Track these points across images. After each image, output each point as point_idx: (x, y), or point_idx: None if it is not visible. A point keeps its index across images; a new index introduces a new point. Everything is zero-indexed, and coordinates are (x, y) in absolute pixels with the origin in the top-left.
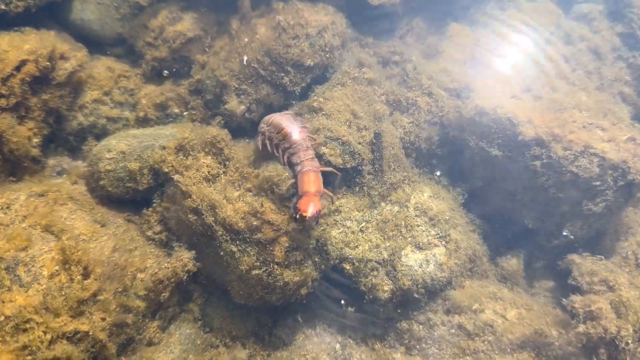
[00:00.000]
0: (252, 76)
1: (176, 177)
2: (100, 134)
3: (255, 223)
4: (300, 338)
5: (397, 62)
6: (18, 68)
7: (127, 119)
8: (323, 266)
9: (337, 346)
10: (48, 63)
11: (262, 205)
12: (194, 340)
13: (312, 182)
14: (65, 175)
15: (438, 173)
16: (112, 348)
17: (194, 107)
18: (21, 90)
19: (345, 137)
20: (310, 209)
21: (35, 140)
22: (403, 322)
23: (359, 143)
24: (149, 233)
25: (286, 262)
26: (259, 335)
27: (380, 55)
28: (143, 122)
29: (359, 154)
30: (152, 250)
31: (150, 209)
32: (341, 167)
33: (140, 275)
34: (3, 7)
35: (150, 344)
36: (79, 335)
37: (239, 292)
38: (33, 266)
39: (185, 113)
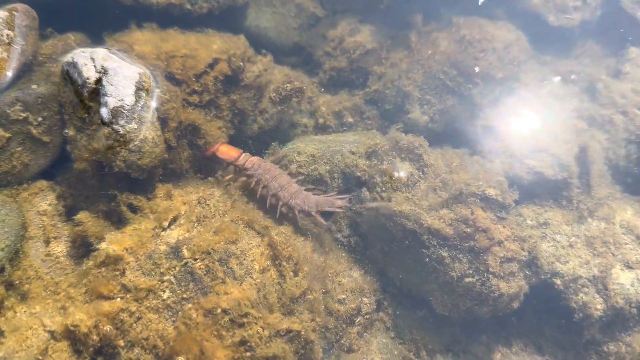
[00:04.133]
0: (437, 87)
1: (363, 190)
2: (280, 139)
3: (467, 230)
4: (497, 357)
5: (575, 81)
6: (211, 66)
7: (306, 125)
8: (533, 279)
9: None
10: (241, 64)
11: (472, 212)
12: (392, 350)
13: (230, 149)
14: None
15: None
16: (319, 351)
17: (369, 117)
18: (214, 88)
19: (553, 148)
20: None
21: (222, 139)
22: (610, 344)
23: (567, 156)
24: (338, 236)
25: (501, 273)
26: (454, 351)
27: (559, 73)
28: (321, 129)
29: (568, 166)
30: (344, 254)
31: (340, 212)
32: (552, 178)
33: (337, 279)
34: (188, 7)
35: (350, 350)
36: (290, 335)
37: (443, 302)
38: (244, 259)
39: (359, 122)
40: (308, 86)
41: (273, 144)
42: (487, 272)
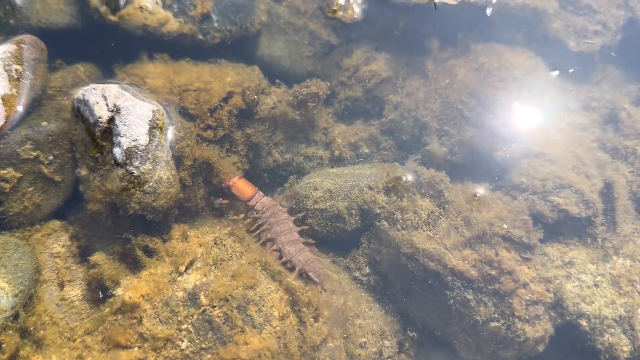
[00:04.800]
0: (456, 117)
1: (384, 223)
2: (295, 172)
3: (491, 272)
4: None
5: (596, 108)
6: (225, 100)
7: (322, 157)
8: (559, 320)
9: None
10: (256, 97)
11: (497, 253)
12: None
13: (246, 186)
14: None
15: None
16: None
17: (385, 148)
18: (229, 122)
19: (578, 184)
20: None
21: (239, 173)
22: None
23: (591, 192)
24: (357, 274)
25: (526, 317)
26: None
27: (580, 100)
28: (337, 161)
29: (592, 203)
30: (363, 294)
31: (359, 250)
32: (577, 216)
33: (357, 321)
34: (200, 37)
35: None
36: None
37: (467, 345)
38: (263, 306)
39: (376, 153)
40: (324, 92)
41: (291, 177)
42: (513, 316)
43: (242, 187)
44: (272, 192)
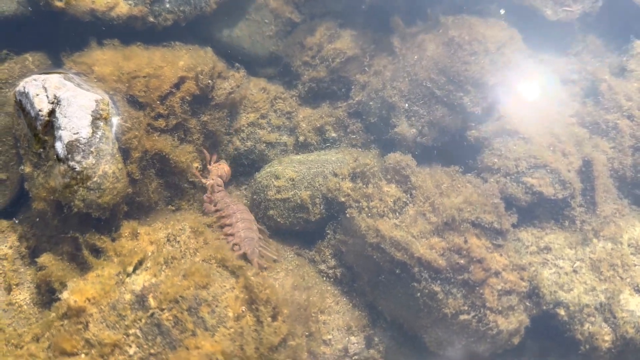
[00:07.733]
0: (425, 96)
1: (349, 211)
2: (258, 160)
3: (460, 261)
4: None
5: (575, 81)
6: (177, 86)
7: (286, 144)
8: (535, 310)
9: None
10: (210, 81)
11: (466, 241)
12: None
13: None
14: None
15: None
16: None
17: (353, 132)
18: (181, 110)
19: (554, 163)
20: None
21: (195, 165)
22: None
23: (568, 171)
24: (322, 267)
25: (499, 308)
26: None
27: (558, 73)
28: (302, 147)
29: (570, 183)
30: (329, 288)
31: (324, 241)
32: (552, 197)
33: (322, 317)
34: (152, 19)
35: None
36: None
37: (437, 340)
38: (217, 306)
39: (344, 137)
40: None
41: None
42: (484, 308)
43: (215, 169)
44: (234, 182)
